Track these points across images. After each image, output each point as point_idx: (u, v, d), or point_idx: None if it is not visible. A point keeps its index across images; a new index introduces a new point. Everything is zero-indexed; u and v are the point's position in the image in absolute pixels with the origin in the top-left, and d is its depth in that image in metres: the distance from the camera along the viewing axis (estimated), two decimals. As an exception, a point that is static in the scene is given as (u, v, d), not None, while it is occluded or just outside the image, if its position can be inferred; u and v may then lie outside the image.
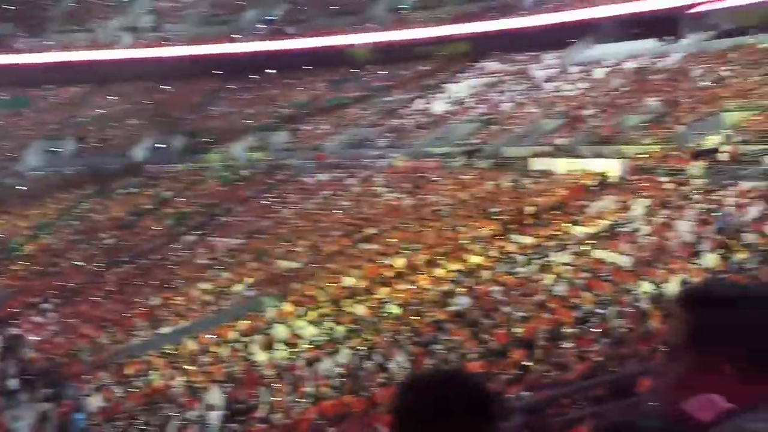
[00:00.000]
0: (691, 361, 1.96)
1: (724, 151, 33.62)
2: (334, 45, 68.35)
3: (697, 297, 2.03)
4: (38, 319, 42.29)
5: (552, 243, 30.65)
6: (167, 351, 32.42)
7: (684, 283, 21.58)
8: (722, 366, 1.92)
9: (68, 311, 42.56)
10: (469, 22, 62.83)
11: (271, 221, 49.29)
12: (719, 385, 1.92)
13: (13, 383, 33.53)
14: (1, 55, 72.29)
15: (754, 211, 26.59)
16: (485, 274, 29.33)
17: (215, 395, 25.63)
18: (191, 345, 32.45)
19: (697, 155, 34.20)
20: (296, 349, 28.31)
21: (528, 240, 31.79)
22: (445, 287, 29.03)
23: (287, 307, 33.39)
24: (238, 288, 38.92)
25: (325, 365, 25.77)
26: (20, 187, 63.19)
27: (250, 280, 39.30)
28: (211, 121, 69.66)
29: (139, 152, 66.90)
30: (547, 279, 26.88)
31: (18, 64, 72.32)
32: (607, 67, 53.36)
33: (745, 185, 29.40)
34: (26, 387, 32.88)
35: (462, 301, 26.77)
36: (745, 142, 34.44)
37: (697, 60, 48.11)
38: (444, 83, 62.63)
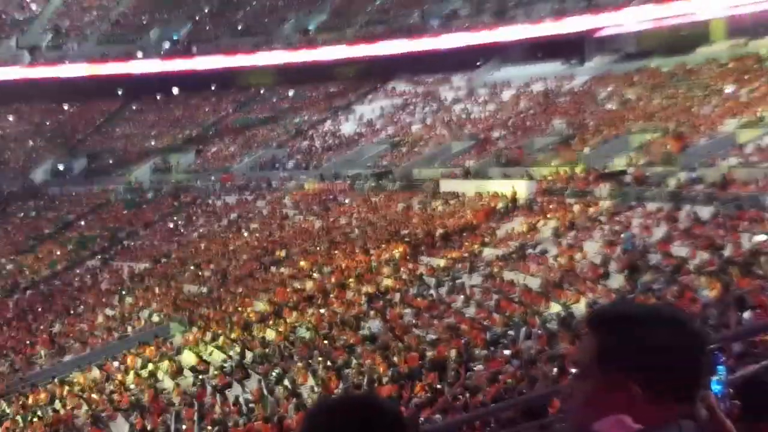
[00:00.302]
0: (599, 381, 1.96)
1: (630, 173, 34.17)
2: (240, 65, 67.77)
3: (603, 318, 2.04)
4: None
5: (462, 265, 30.68)
6: (71, 379, 31.49)
7: (592, 304, 21.76)
8: (630, 386, 1.92)
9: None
10: (377, 43, 62.96)
11: (178, 245, 48.47)
12: (627, 405, 1.92)
13: None
14: None
15: (659, 232, 27.01)
16: (396, 296, 29.21)
17: (121, 424, 24.96)
18: (96, 373, 31.59)
19: (604, 177, 34.69)
20: (204, 376, 27.78)
21: (438, 262, 31.78)
22: (356, 311, 28.81)
23: (195, 332, 32.77)
24: (144, 314, 38.10)
25: (235, 392, 25.33)
26: None
27: (156, 306, 38.53)
28: (114, 142, 68.29)
29: (39, 174, 65.21)
30: (458, 301, 26.89)
31: None
32: (515, 89, 53.98)
33: (650, 206, 29.87)
34: None
35: (373, 325, 26.57)
36: (650, 164, 35.06)
37: (603, 82, 48.98)
38: (353, 104, 62.61)
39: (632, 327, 1.96)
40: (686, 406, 1.96)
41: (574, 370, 2.05)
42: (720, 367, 3.12)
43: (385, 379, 21.39)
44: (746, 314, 16.46)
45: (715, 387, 2.99)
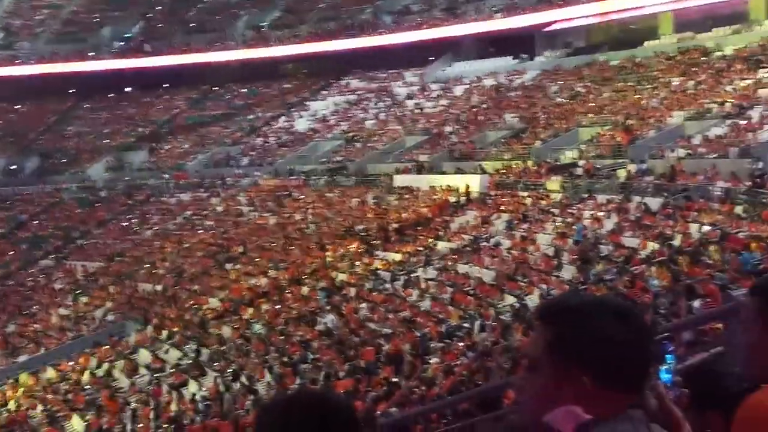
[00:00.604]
0: (550, 373, 2.00)
1: (581, 166, 34.58)
2: (193, 62, 67.44)
3: (552, 311, 2.07)
4: None
5: (417, 259, 30.88)
6: (25, 380, 31.25)
7: (545, 295, 22.05)
8: (580, 377, 1.96)
9: None
10: (330, 39, 63.00)
11: (132, 243, 48.21)
12: (578, 396, 1.97)
13: None
14: None
15: (609, 223, 27.40)
16: (352, 291, 29.34)
17: (77, 424, 24.84)
18: (51, 373, 31.38)
19: (555, 170, 35.09)
20: (160, 374, 27.72)
21: (394, 256, 31.95)
22: (312, 306, 28.90)
23: (150, 331, 32.67)
24: (98, 313, 37.88)
25: (191, 389, 25.31)
26: None
27: (111, 305, 38.34)
28: (67, 141, 67.67)
29: (-10, 174, 64.48)
30: (413, 295, 27.08)
31: None
32: (467, 84, 54.30)
33: (601, 198, 30.28)
34: None
35: (329, 319, 26.68)
36: (599, 157, 35.51)
37: (553, 77, 49.46)
38: (307, 101, 62.60)
39: (581, 319, 2.00)
40: (635, 396, 2.02)
41: (526, 363, 2.09)
42: (669, 356, 3.24)
43: (341, 374, 21.52)
44: (696, 303, 16.80)
45: (664, 376, 3.10)
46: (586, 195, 31.37)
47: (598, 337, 1.97)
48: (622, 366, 1.98)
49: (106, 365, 30.27)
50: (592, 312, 2.01)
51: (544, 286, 23.51)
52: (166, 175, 56.99)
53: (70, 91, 71.37)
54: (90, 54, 70.16)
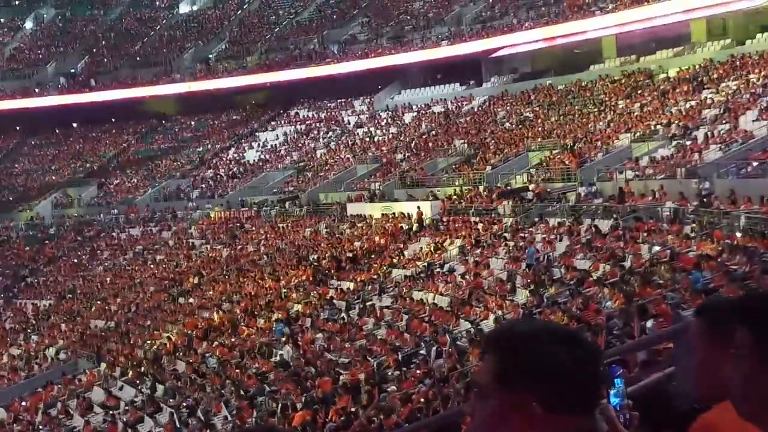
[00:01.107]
0: (499, 401, 2.00)
1: (531, 190, 34.86)
2: (140, 96, 67.18)
3: (499, 339, 2.08)
4: None
5: (371, 287, 30.88)
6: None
7: (500, 319, 22.15)
8: (529, 404, 1.96)
9: None
10: (277, 70, 63.09)
11: (83, 280, 47.67)
12: (528, 422, 1.96)
13: None
14: None
15: (562, 246, 27.64)
16: (307, 321, 29.25)
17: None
18: (2, 414, 30.84)
19: (506, 194, 35.35)
20: (115, 412, 27.37)
21: (348, 285, 31.93)
22: (267, 338, 28.75)
23: (103, 368, 32.27)
24: (50, 352, 37.37)
25: (147, 426, 25.03)
26: None
27: (63, 343, 37.83)
28: (14, 178, 66.95)
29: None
30: (369, 323, 27.06)
31: None
32: (415, 111, 54.60)
33: (552, 221, 30.55)
34: None
35: (285, 351, 26.57)
36: (549, 180, 35.83)
37: (500, 102, 49.89)
38: (256, 132, 62.56)
39: (527, 346, 2.00)
40: (585, 420, 2.01)
41: (475, 390, 2.09)
42: (617, 380, 3.28)
43: (299, 405, 21.41)
44: (649, 323, 16.98)
45: (614, 399, 3.13)
46: (537, 219, 31.63)
47: (545, 363, 1.97)
48: (571, 390, 1.98)
49: (59, 405, 29.82)
50: (538, 338, 2.01)
51: (499, 311, 23.62)
52: (116, 210, 56.53)
53: (16, 128, 70.70)
54: (35, 90, 69.63)
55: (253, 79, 63.83)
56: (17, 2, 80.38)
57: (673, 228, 25.42)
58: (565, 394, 1.98)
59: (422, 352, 22.75)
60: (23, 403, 31.25)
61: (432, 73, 57.80)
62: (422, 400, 18.29)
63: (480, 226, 33.22)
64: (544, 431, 1.97)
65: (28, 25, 79.35)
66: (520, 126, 44.58)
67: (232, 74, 65.36)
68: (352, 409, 19.66)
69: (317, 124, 59.41)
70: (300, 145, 57.27)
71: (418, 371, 20.97)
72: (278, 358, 26.28)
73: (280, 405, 21.96)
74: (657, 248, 23.59)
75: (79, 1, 78.85)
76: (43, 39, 76.97)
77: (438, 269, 30.17)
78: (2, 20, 79.37)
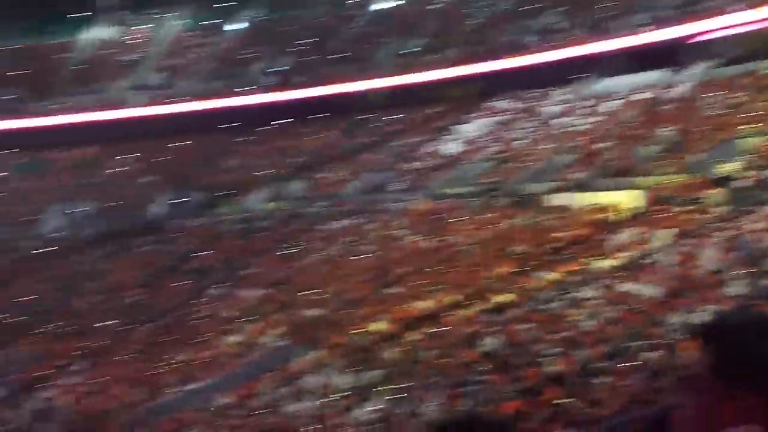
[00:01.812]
0: (714, 393, 1.99)
1: (743, 177, 33.79)
2: (341, 92, 69.03)
3: (712, 329, 2.10)
4: (67, 381, 42.34)
5: (576, 278, 30.77)
6: (200, 407, 32.52)
7: (713, 312, 21.71)
8: (746, 397, 1.96)
9: (96, 372, 42.63)
10: (475, 62, 63.41)
11: (294, 270, 49.38)
12: (745, 415, 1.94)
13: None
14: (14, 119, 73.46)
15: (776, 235, 26.77)
16: (512, 312, 29.45)
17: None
18: (224, 399, 32.55)
19: (715, 182, 34.39)
20: (327, 399, 28.39)
21: (552, 276, 31.91)
22: (472, 328, 29.13)
23: (317, 355, 33.50)
24: (265, 339, 39.04)
25: (358, 413, 25.86)
26: (40, 250, 63.42)
27: (277, 331, 39.42)
28: (225, 174, 70.05)
29: (155, 209, 67.34)
30: (575, 314, 27.01)
31: (30, 127, 73.37)
32: (617, 100, 53.70)
33: (767, 209, 29.56)
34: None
35: (490, 341, 26.88)
36: (761, 167, 34.62)
37: (707, 88, 48.42)
38: (455, 124, 63.03)
39: (741, 337, 1.99)
40: None
41: (687, 383, 2.07)
42: None
43: (507, 396, 21.70)
44: None
45: None
46: (750, 207, 30.65)
47: (759, 355, 1.95)
48: None
49: (275, 391, 31.18)
50: (752, 329, 1.99)
51: (711, 303, 23.13)
52: (323, 203, 58.27)
53: (226, 126, 73.89)
54: (241, 89, 72.78)
55: (452, 72, 64.41)
56: (227, 4, 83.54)
57: None
58: None
59: (632, 344, 22.58)
60: (242, 390, 32.82)
61: (633, 60, 56.64)
62: (633, 393, 18.23)
63: (688, 215, 32.50)
64: (759, 422, 1.93)
65: (235, 26, 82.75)
66: (728, 112, 43.17)
67: (431, 67, 66.13)
68: (560, 401, 19.78)
69: (516, 115, 59.36)
70: (499, 136, 57.37)
71: (627, 364, 20.86)
72: (485, 347, 26.63)
73: (488, 395, 22.31)
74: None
75: (283, 3, 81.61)
76: (250, 40, 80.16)
77: (645, 260, 29.74)
78: (208, 23, 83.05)
